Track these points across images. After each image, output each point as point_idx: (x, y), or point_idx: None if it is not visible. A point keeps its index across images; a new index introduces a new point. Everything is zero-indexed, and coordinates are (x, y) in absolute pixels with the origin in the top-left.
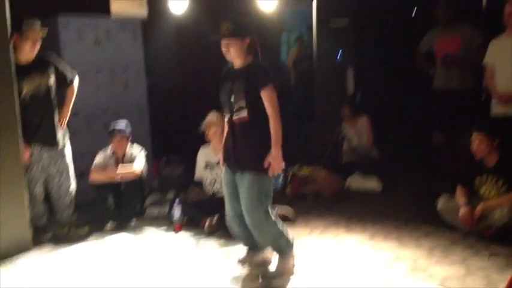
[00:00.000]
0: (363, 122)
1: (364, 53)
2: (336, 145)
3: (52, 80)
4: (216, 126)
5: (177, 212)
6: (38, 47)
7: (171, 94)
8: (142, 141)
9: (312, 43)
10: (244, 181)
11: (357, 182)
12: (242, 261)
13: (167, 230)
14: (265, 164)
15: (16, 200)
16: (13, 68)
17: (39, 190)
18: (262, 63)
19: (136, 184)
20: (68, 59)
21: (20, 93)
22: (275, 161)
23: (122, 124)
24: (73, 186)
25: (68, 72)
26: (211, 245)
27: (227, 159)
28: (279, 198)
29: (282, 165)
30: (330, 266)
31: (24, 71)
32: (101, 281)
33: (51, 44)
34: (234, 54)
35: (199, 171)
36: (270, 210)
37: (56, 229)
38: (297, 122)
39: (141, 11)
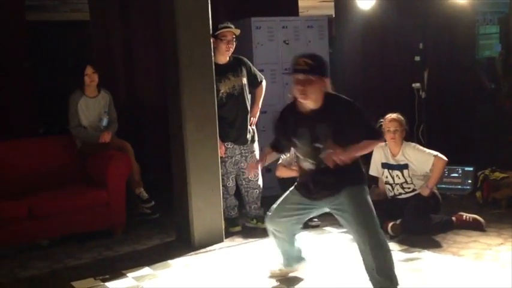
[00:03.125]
0: None
1: None
2: None
3: (245, 79)
4: (397, 124)
5: None
6: (232, 47)
7: (354, 92)
8: None
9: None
10: (344, 201)
11: None
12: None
13: (348, 231)
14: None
15: (212, 193)
16: (213, 69)
17: (231, 184)
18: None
19: None
20: (260, 57)
21: (217, 92)
22: (340, 153)
23: None
24: (260, 181)
25: (257, 72)
26: (393, 251)
27: (307, 192)
28: (468, 203)
29: (340, 160)
30: None
31: (221, 71)
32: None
33: (245, 44)
34: (310, 96)
35: (375, 168)
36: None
37: (244, 222)
38: (488, 123)
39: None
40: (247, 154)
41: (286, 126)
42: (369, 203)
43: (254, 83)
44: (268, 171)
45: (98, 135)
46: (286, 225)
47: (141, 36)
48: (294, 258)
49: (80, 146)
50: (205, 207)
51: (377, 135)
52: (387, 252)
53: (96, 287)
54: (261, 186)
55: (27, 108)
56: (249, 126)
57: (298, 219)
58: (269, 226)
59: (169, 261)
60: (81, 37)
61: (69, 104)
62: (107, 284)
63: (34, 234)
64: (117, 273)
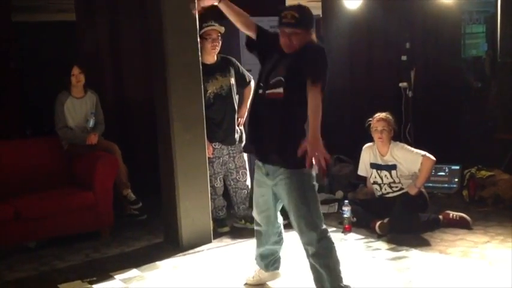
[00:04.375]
0: None
1: None
2: None
3: (233, 80)
4: (384, 124)
5: (346, 212)
6: (218, 45)
7: (342, 92)
8: None
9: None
10: (281, 180)
11: None
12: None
13: (336, 230)
14: (300, 152)
15: (201, 193)
16: (200, 69)
17: (219, 184)
18: (321, 46)
19: None
20: (248, 57)
21: (205, 92)
22: (313, 146)
23: None
24: (248, 181)
25: (245, 72)
26: (381, 249)
27: (250, 145)
28: (454, 201)
29: (323, 153)
30: (509, 279)
31: (209, 71)
32: None
33: (232, 44)
34: (296, 48)
35: (364, 168)
36: (322, 218)
37: (233, 222)
38: (474, 121)
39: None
40: (235, 154)
41: (266, 46)
42: (311, 187)
43: (242, 83)
44: None
45: (84, 137)
46: (264, 214)
47: (128, 36)
48: (272, 262)
49: (67, 147)
50: (194, 208)
51: (316, 79)
52: (322, 237)
53: None
54: (249, 186)
55: (14, 109)
56: (236, 127)
57: (268, 201)
58: (254, 215)
59: (157, 263)
60: (68, 37)
61: (56, 104)
62: (94, 286)
63: (21, 236)
64: (104, 275)
